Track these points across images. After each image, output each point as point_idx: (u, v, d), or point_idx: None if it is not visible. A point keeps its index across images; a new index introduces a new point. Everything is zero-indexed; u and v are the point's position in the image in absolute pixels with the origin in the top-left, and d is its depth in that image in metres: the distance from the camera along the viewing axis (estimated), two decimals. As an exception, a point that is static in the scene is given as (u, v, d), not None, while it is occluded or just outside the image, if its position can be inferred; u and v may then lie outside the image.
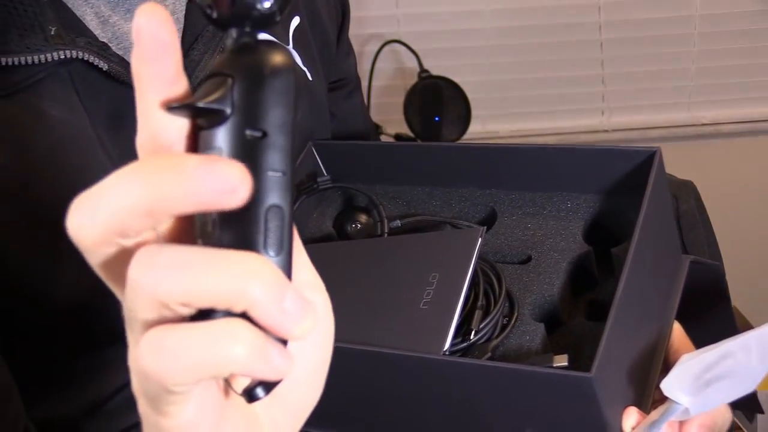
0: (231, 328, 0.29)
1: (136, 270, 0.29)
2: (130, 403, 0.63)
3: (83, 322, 0.61)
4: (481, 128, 1.64)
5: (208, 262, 0.29)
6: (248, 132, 0.31)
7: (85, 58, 0.58)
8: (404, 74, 1.59)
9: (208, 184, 0.28)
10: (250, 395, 0.32)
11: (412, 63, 1.52)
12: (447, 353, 0.58)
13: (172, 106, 0.31)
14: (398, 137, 1.52)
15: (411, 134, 1.51)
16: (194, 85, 0.72)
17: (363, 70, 1.22)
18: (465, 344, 0.61)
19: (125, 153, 0.60)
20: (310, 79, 0.78)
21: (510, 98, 1.64)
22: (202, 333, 0.29)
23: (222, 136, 0.31)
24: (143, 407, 0.33)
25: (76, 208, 0.30)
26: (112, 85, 0.60)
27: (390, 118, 1.54)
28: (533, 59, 1.61)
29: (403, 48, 1.52)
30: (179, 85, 0.31)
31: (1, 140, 0.57)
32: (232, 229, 0.31)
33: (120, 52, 0.62)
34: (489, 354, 0.60)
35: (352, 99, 0.88)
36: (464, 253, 0.63)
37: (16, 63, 0.56)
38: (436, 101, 1.50)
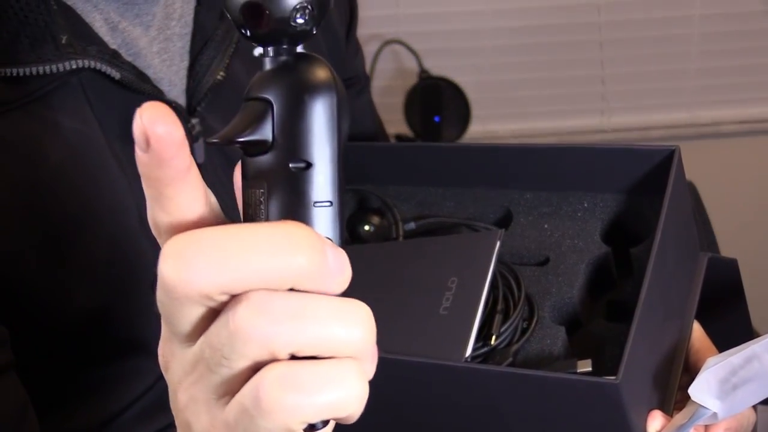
0: (350, 369, 0.30)
1: (249, 319, 0.28)
2: (142, 417, 0.62)
3: (95, 336, 0.60)
4: (481, 128, 1.63)
5: (322, 313, 0.29)
6: (292, 165, 0.30)
7: (97, 68, 0.57)
8: (404, 74, 1.58)
9: (337, 274, 0.29)
10: (312, 427, 0.31)
11: (412, 63, 1.51)
12: (468, 360, 0.57)
13: (211, 141, 0.30)
14: (398, 137, 1.51)
15: (411, 134, 1.50)
16: (204, 92, 0.70)
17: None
18: (485, 349, 0.60)
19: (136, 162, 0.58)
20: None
21: (510, 98, 1.64)
22: (330, 374, 0.29)
23: (265, 166, 0.30)
24: None
25: (193, 255, 0.28)
26: (124, 94, 0.59)
27: (390, 118, 1.53)
28: (533, 59, 1.61)
29: (403, 48, 1.52)
30: (192, 169, 0.30)
31: (15, 153, 0.56)
32: None
33: (130, 59, 0.60)
34: (510, 359, 0.59)
35: (361, 98, 0.88)
36: (483, 257, 0.62)
37: (27, 74, 0.55)
38: (436, 101, 1.50)
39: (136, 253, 0.59)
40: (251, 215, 0.31)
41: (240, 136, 0.30)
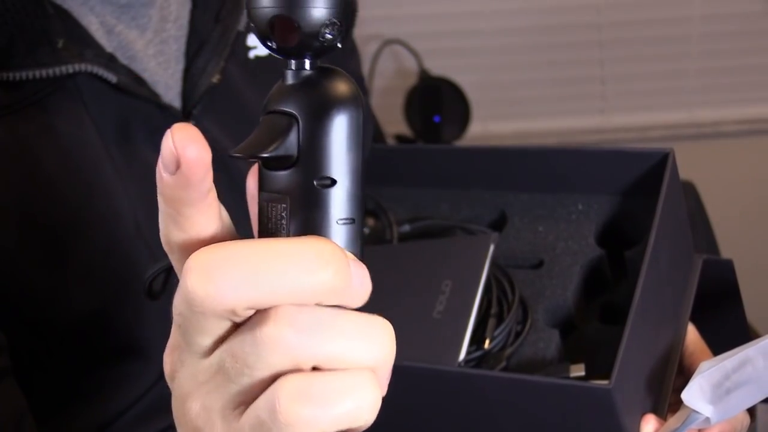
0: (365, 379, 0.30)
1: (277, 329, 0.28)
2: (139, 420, 0.62)
3: (91, 340, 0.60)
4: (481, 128, 1.63)
5: (348, 328, 0.29)
6: (316, 181, 0.30)
7: (93, 71, 0.57)
8: (404, 74, 1.58)
9: (359, 290, 0.29)
10: None
11: (412, 63, 1.51)
12: (462, 364, 0.57)
13: (236, 155, 0.30)
14: (398, 137, 1.51)
15: (411, 134, 1.50)
16: (199, 95, 0.70)
17: (363, 70, 1.22)
18: (479, 353, 0.60)
19: (132, 166, 0.58)
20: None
21: (510, 98, 1.64)
22: (344, 385, 0.29)
23: (288, 181, 0.30)
24: None
25: (222, 270, 0.28)
26: (119, 97, 0.59)
27: (390, 118, 1.53)
28: (533, 59, 1.60)
29: (403, 48, 1.51)
30: (212, 188, 0.30)
31: (11, 158, 0.56)
32: None
33: (126, 62, 0.60)
34: (504, 363, 0.59)
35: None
36: (477, 260, 0.62)
37: (24, 78, 0.55)
38: (436, 101, 1.49)
39: (132, 258, 0.59)
40: (272, 230, 0.31)
41: (265, 150, 0.29)
